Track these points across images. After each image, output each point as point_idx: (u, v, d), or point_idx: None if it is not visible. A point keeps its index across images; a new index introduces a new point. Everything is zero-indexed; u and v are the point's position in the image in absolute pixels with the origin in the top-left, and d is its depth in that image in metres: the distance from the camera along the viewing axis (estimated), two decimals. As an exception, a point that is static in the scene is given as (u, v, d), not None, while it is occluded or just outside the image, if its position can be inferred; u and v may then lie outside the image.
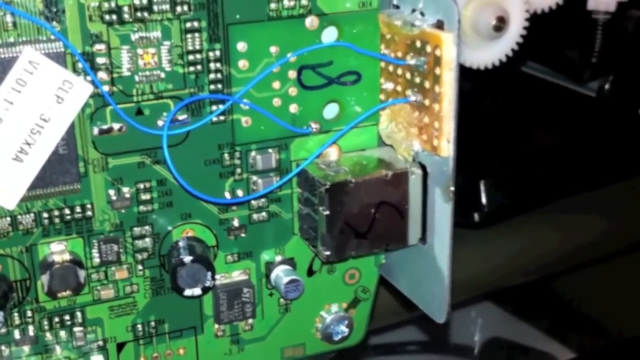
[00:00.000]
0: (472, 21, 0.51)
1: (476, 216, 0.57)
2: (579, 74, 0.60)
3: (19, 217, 0.36)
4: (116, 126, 0.36)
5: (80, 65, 0.35)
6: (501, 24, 0.51)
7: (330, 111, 0.40)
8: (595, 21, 0.58)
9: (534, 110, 0.62)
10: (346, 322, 0.43)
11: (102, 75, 0.35)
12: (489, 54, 0.53)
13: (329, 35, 0.39)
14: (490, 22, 0.50)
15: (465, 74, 0.52)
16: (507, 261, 0.60)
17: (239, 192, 0.39)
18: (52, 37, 0.34)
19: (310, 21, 0.38)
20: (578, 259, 0.64)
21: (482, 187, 0.57)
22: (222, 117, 0.38)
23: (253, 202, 0.40)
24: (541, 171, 0.60)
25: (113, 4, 0.34)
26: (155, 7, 0.35)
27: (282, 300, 0.41)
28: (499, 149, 0.59)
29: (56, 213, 0.36)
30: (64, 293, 0.37)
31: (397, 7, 0.37)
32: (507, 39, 0.53)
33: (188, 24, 0.36)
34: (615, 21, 0.57)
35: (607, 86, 0.60)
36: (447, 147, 0.35)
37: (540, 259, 0.61)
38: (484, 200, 0.57)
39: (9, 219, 0.36)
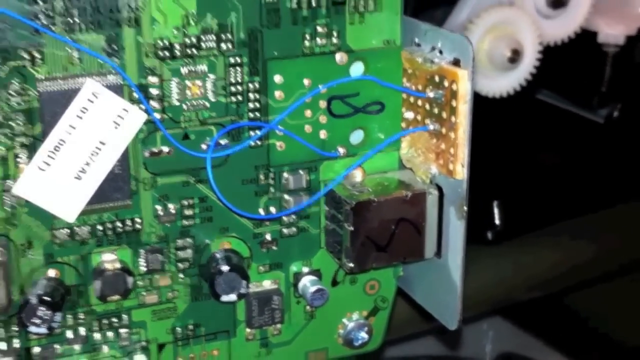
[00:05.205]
0: (488, 53, 0.53)
1: (489, 234, 0.59)
2: (589, 102, 0.62)
3: (76, 229, 0.37)
4: (165, 149, 0.38)
5: (135, 95, 0.36)
6: (515, 56, 0.53)
7: (356, 137, 0.41)
8: (605, 53, 0.60)
9: (545, 135, 0.63)
10: (366, 328, 0.44)
11: (155, 104, 0.37)
12: (504, 83, 0.54)
13: (357, 69, 0.40)
14: (506, 55, 0.52)
15: (482, 99, 0.53)
16: (518, 276, 0.61)
17: (272, 209, 0.40)
18: (112, 70, 0.36)
19: (340, 57, 0.39)
20: (586, 275, 0.65)
21: (495, 207, 0.58)
22: (259, 142, 0.39)
23: (284, 218, 0.41)
24: (551, 192, 0.61)
25: (167, 42, 0.36)
26: (203, 45, 0.37)
27: (308, 307, 0.42)
28: (511, 172, 0.60)
29: (109, 226, 0.38)
30: (113, 297, 0.38)
31: (419, 45, 0.39)
32: (521, 69, 0.54)
33: (231, 59, 0.38)
34: (624, 53, 0.59)
35: (615, 114, 0.61)
36: (461, 171, 0.38)
37: (550, 274, 0.62)
38: (496, 220, 0.58)
39: (68, 230, 0.37)
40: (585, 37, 0.57)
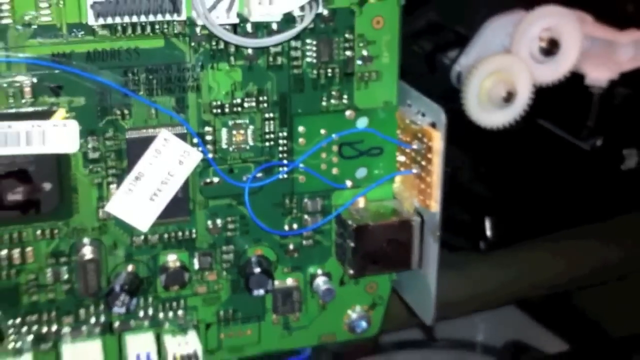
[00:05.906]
0: (488, 93, 0.56)
1: (482, 244, 0.61)
2: (577, 134, 0.64)
3: (148, 236, 0.43)
4: (215, 180, 0.43)
5: (195, 140, 0.42)
6: (509, 97, 0.56)
7: (361, 173, 0.45)
8: (591, 93, 0.62)
9: (538, 159, 0.65)
10: (366, 319, 0.48)
11: (209, 147, 0.42)
12: (501, 118, 0.57)
13: (362, 122, 0.44)
14: (501, 95, 0.55)
15: (479, 127, 0.56)
16: (506, 279, 0.64)
17: (294, 226, 0.45)
18: (179, 123, 0.42)
19: (349, 113, 0.44)
20: (580, 281, 0.68)
21: (487, 222, 0.61)
22: (285, 176, 0.44)
23: (304, 233, 0.45)
24: (538, 208, 0.64)
25: (219, 102, 0.42)
26: (246, 105, 0.43)
27: (320, 301, 0.47)
28: (503, 189, 0.63)
29: (172, 235, 0.43)
30: (174, 287, 0.43)
31: (410, 105, 0.45)
32: (515, 106, 0.57)
33: (266, 115, 0.43)
34: (607, 94, 0.62)
35: (598, 143, 0.64)
36: (435, 206, 0.43)
37: (535, 279, 0.65)
38: (488, 233, 0.61)
39: (143, 237, 0.43)
40: (573, 80, 0.59)
